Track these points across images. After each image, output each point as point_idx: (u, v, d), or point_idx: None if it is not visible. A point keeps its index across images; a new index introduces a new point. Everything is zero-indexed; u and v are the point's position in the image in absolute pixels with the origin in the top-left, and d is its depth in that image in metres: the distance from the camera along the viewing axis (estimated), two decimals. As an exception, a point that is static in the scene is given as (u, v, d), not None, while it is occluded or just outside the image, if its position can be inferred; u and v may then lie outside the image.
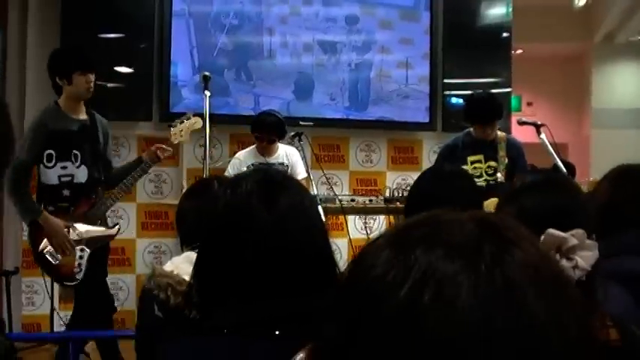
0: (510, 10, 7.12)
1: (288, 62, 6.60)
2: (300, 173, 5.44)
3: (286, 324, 1.31)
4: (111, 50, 6.09)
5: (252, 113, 6.20)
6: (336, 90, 6.69)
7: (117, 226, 4.66)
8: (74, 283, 4.31)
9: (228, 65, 6.45)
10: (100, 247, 4.50)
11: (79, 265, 4.29)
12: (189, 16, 6.37)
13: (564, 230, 1.53)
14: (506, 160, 4.95)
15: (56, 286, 4.72)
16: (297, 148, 5.44)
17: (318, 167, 5.74)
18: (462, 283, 0.59)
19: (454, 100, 6.92)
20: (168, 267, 2.01)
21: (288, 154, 5.50)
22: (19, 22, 6.10)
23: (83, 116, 4.42)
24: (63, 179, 4.32)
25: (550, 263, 0.66)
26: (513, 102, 8.44)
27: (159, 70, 6.22)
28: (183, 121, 4.66)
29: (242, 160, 5.72)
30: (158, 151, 4.55)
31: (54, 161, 4.28)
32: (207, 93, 4.10)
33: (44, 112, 4.38)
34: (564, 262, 1.50)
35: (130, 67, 6.17)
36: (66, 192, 4.29)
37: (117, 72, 6.13)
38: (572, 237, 1.51)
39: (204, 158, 4.12)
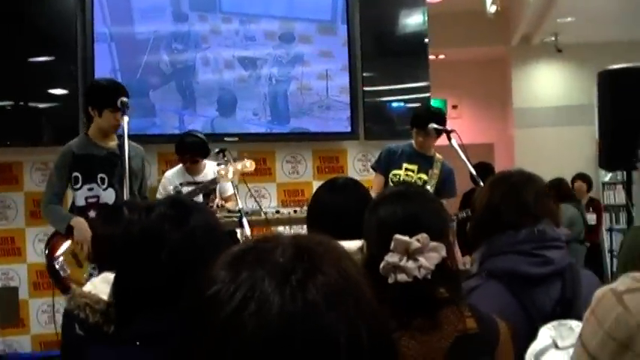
0: (426, 18, 7.30)
1: (210, 79, 6.72)
2: (228, 190, 5.57)
3: None
4: (39, 73, 6.18)
5: (178, 132, 6.34)
6: (259, 105, 6.82)
7: None
8: None
9: (153, 86, 6.56)
10: None
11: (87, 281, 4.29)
12: (111, 39, 6.47)
13: (414, 235, 1.75)
14: (437, 179, 5.22)
15: None
16: (221, 164, 5.55)
17: (244, 181, 5.88)
18: (274, 301, 0.79)
19: (377, 108, 7.12)
20: (87, 287, 2.15)
21: (215, 172, 5.61)
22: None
23: (112, 144, 4.56)
24: (89, 200, 4.48)
25: (348, 284, 0.85)
26: (438, 105, 8.68)
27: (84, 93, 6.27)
28: (228, 161, 4.91)
29: (170, 179, 5.87)
30: None
31: (80, 183, 4.48)
32: (126, 118, 4.23)
33: (73, 140, 4.61)
34: (410, 263, 1.72)
35: (58, 89, 6.25)
36: (92, 213, 4.40)
37: (47, 94, 6.22)
38: (417, 241, 1.73)
39: (125, 180, 4.25)
